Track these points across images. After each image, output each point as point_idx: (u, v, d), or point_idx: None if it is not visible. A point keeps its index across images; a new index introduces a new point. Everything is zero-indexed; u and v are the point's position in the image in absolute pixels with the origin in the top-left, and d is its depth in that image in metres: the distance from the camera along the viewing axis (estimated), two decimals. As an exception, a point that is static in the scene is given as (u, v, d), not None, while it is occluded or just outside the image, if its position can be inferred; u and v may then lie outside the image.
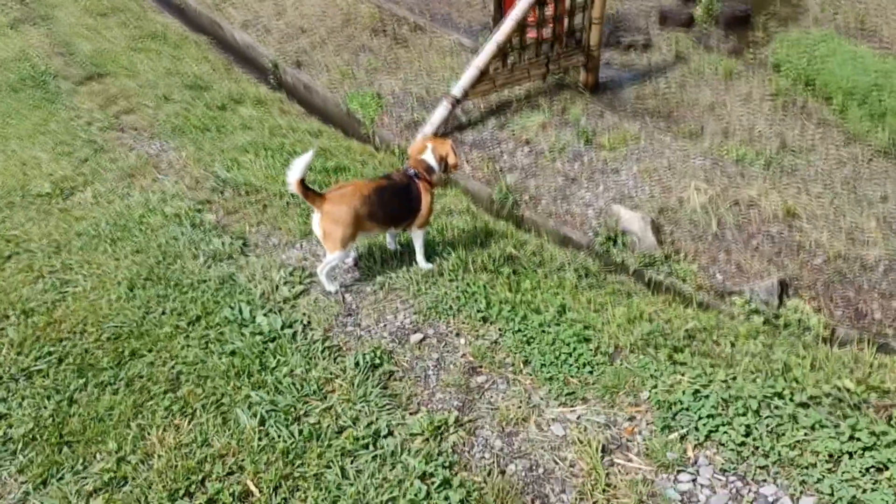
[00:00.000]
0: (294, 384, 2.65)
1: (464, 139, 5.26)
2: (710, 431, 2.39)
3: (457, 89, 5.27)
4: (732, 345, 2.88)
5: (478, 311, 3.07)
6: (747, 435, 2.36)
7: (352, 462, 2.32)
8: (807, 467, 2.24)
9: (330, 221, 3.00)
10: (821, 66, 5.52)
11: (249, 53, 6.92)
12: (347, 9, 7.26)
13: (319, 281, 3.20)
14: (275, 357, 2.79)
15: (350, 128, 5.71)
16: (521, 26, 5.27)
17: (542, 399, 2.60)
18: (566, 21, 5.51)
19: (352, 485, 2.23)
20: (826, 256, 3.94)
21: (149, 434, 2.46)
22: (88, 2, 7.35)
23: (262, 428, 2.45)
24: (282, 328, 2.98)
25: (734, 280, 3.88)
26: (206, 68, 6.12)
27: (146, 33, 6.71)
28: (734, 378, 2.61)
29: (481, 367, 2.78)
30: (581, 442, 2.39)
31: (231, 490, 2.22)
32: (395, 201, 3.15)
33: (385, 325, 3.06)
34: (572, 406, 2.57)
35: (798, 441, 2.32)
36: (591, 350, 2.81)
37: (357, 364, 2.74)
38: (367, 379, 2.67)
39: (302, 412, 2.53)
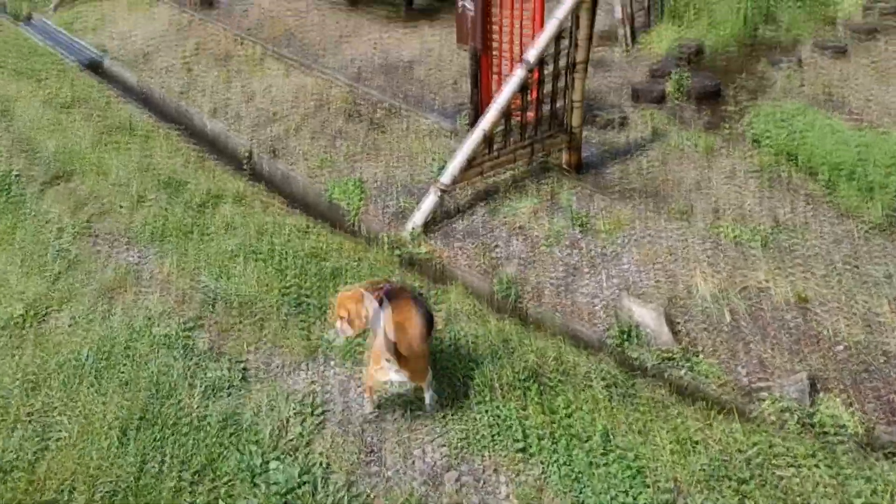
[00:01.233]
0: (326, 554, 2.29)
1: (454, 227, 4.98)
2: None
3: (445, 177, 5.01)
4: (797, 469, 2.61)
5: (514, 442, 2.75)
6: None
7: None
8: None
9: (413, 361, 2.77)
10: (801, 141, 5.43)
11: (222, 142, 6.58)
12: (319, 92, 7.00)
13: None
14: (298, 517, 2.43)
15: (334, 218, 5.39)
16: (505, 113, 5.06)
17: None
18: (548, 105, 5.33)
19: None
20: (847, 346, 3.73)
21: None
22: (49, 94, 6.92)
23: None
24: (299, 476, 2.61)
25: (758, 376, 3.63)
26: (179, 161, 5.75)
27: (112, 125, 6.32)
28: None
29: (532, 515, 2.45)
30: None
31: None
32: None
33: (413, 463, 2.71)
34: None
35: None
36: (648, 488, 2.51)
37: (393, 521, 2.40)
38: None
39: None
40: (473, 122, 6.17)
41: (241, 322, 3.51)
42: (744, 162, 5.50)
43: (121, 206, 4.83)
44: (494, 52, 5.90)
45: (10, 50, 8.42)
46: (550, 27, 5.00)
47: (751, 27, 7.88)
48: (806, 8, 8.23)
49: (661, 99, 6.53)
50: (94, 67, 8.29)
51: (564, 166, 5.60)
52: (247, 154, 6.22)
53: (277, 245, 4.28)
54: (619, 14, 7.67)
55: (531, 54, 5.02)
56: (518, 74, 5.02)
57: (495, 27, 5.77)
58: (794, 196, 5.08)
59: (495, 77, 6.01)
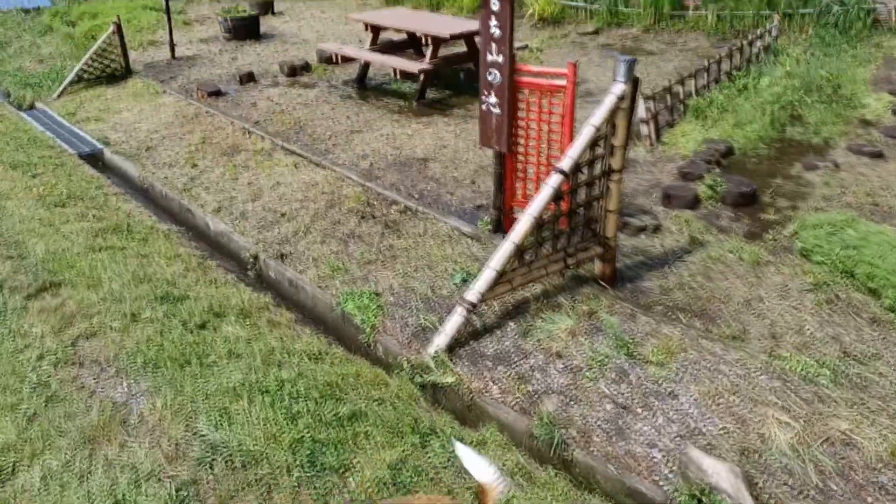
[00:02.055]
0: None
1: (483, 351, 4.40)
2: None
3: (472, 294, 4.46)
4: None
5: None
6: None
7: None
8: None
9: None
10: (857, 256, 4.92)
11: (225, 243, 6.05)
12: (330, 190, 6.53)
13: None
14: None
15: (348, 335, 4.81)
16: (538, 223, 4.55)
17: None
18: (582, 213, 4.84)
19: None
20: (961, 517, 3.11)
21: None
22: (43, 189, 6.43)
23: None
24: None
25: (862, 557, 2.99)
26: (178, 268, 5.20)
27: (109, 226, 5.80)
28: None
29: None
30: None
31: None
32: None
33: None
34: None
35: None
36: None
37: None
38: None
39: None
40: (496, 227, 5.69)
41: (244, 488, 2.89)
42: (795, 278, 4.97)
43: (111, 326, 4.25)
44: (520, 155, 5.47)
45: (9, 140, 7.99)
46: (586, 134, 4.55)
47: (778, 127, 7.53)
48: (833, 109, 7.91)
49: (694, 203, 6.05)
50: (95, 159, 7.85)
51: (598, 278, 5.08)
52: (251, 258, 5.68)
53: (287, 380, 3.68)
54: (643, 113, 7.30)
55: (566, 163, 4.55)
56: (551, 183, 4.53)
57: (521, 129, 5.35)
58: (858, 319, 4.53)
59: (520, 180, 5.56)
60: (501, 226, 5.68)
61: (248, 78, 10.07)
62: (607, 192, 4.86)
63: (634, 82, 4.66)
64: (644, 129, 7.37)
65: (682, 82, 7.91)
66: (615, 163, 4.78)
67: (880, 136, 7.18)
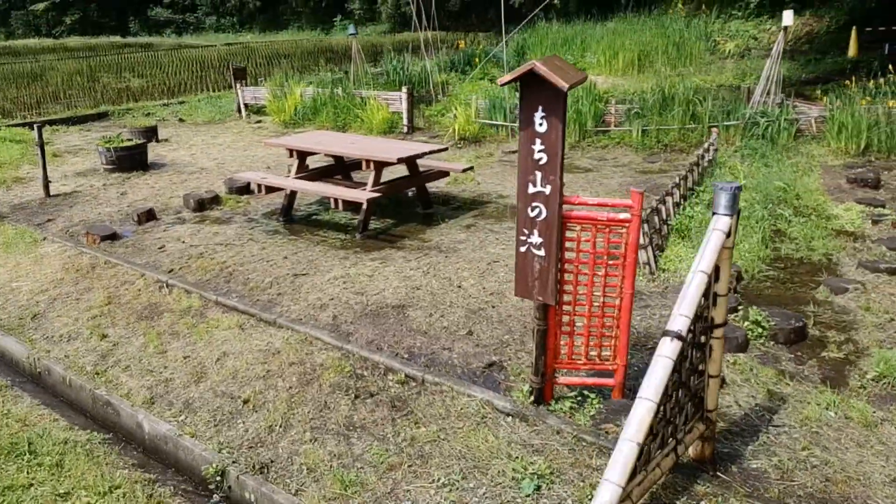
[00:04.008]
0: None
1: None
2: None
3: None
4: None
5: None
6: None
7: None
8: None
9: None
10: None
11: (170, 451, 4.35)
12: (298, 359, 5.03)
13: None
14: None
15: None
16: (662, 415, 3.32)
17: None
18: (691, 381, 3.66)
19: None
20: None
21: None
22: None
23: None
24: None
25: None
26: (118, 509, 3.49)
27: (3, 446, 3.98)
28: None
29: None
30: None
31: None
32: None
33: None
34: None
35: None
36: None
37: None
38: None
39: None
40: (539, 398, 4.42)
41: None
42: (925, 441, 4.00)
43: None
44: (566, 305, 4.29)
45: None
46: (697, 284, 3.45)
47: (770, 245, 6.87)
48: (812, 222, 7.40)
49: (744, 345, 5.07)
50: (-41, 334, 5.89)
51: (696, 462, 3.88)
52: (216, 474, 4.02)
53: None
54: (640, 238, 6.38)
55: (680, 324, 3.39)
56: (667, 353, 3.34)
57: (568, 272, 4.20)
58: None
59: (565, 335, 4.36)
60: (542, 395, 4.41)
61: (148, 216, 8.42)
62: (710, 353, 3.75)
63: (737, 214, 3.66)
64: (642, 256, 6.44)
65: (663, 201, 7.14)
66: (718, 315, 3.71)
67: (885, 249, 6.63)
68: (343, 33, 48.46)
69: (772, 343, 5.12)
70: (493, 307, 5.87)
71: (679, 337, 3.34)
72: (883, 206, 7.84)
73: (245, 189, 9.46)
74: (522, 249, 4.14)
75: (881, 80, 10.62)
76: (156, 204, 9.01)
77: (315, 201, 9.15)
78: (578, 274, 4.21)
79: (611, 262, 4.15)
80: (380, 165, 7.73)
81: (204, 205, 8.84)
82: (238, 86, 15.46)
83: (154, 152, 12.05)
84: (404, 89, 12.81)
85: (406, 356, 5.12)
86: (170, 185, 10.05)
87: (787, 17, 12.14)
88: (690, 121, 10.71)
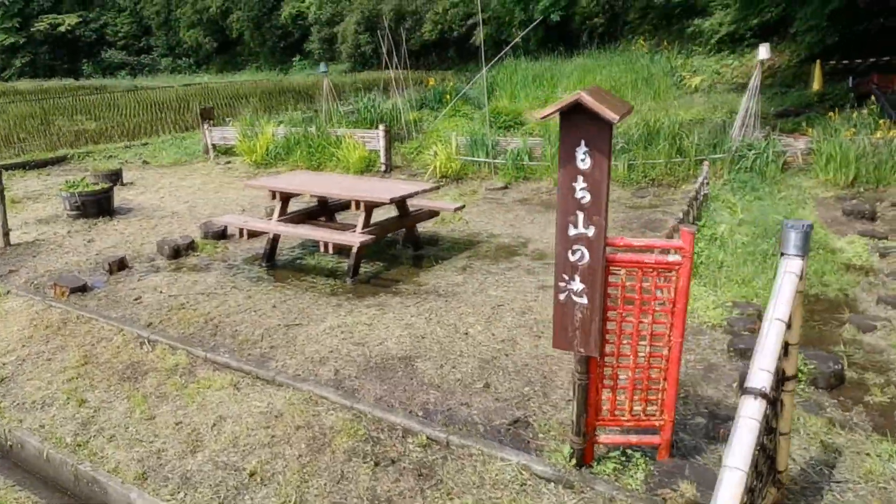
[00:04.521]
0: None
1: None
2: None
3: None
4: None
5: None
6: None
7: None
8: None
9: None
10: None
11: (168, 536, 3.83)
12: (304, 421, 4.56)
13: None
14: None
15: None
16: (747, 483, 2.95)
17: None
18: (765, 441, 3.31)
19: None
20: None
21: None
22: None
23: None
24: None
25: None
26: None
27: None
28: None
29: None
30: None
31: None
32: None
33: None
34: None
35: None
36: None
37: None
38: None
39: None
40: (580, 460, 4.02)
41: None
42: None
43: None
44: (608, 357, 3.93)
45: None
46: (775, 333, 3.11)
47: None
48: (819, 256, 7.21)
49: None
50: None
51: (765, 528, 3.52)
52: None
53: None
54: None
55: (762, 380, 3.04)
56: (751, 414, 2.98)
57: (611, 321, 3.85)
58: None
59: (606, 389, 3.99)
60: (584, 457, 4.02)
61: (120, 265, 7.86)
62: (780, 408, 3.42)
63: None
64: (657, 297, 6.14)
65: (671, 237, 6.88)
66: (789, 367, 3.40)
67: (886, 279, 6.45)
68: (302, 73, 48.29)
69: (812, 388, 4.82)
70: (507, 356, 5.49)
71: (763, 395, 2.99)
72: (886, 238, 7.72)
73: (222, 234, 8.97)
74: (562, 297, 3.78)
75: (863, 112, 10.66)
76: (127, 252, 8.46)
77: (297, 245, 8.71)
78: (622, 322, 3.86)
79: (658, 310, 3.81)
80: (370, 206, 7.35)
81: (179, 251, 8.32)
82: (205, 126, 14.98)
83: (120, 196, 11.48)
84: (381, 127, 12.50)
85: (421, 414, 4.70)
86: (140, 231, 9.49)
87: (763, 50, 12.21)
88: (677, 154, 10.58)
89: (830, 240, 7.79)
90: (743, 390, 3.08)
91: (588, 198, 3.57)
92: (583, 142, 3.50)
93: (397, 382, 5.13)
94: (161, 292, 7.12)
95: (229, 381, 5.17)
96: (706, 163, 9.45)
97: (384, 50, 16.46)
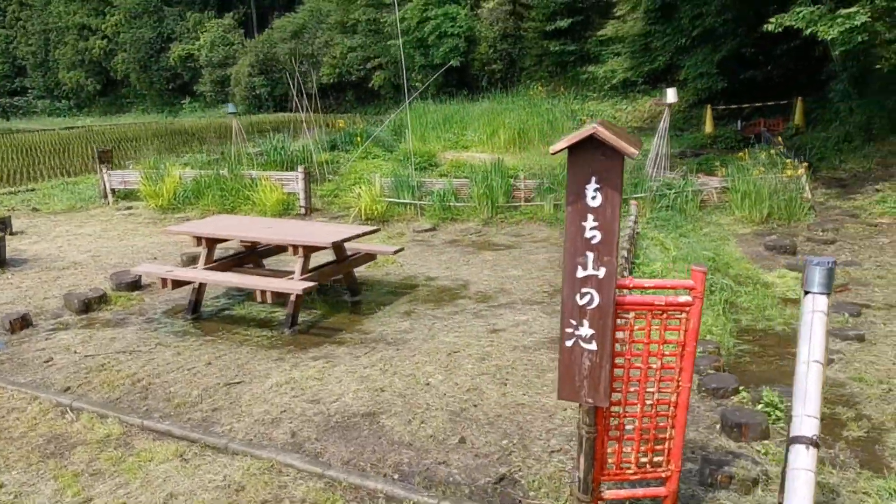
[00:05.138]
0: None
1: None
2: None
3: None
4: None
5: None
6: None
7: None
8: None
9: None
10: None
11: None
12: (268, 495, 4.05)
13: None
14: None
15: None
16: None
17: None
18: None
19: None
20: None
21: None
22: None
23: None
24: None
25: None
26: None
27: None
28: None
29: None
30: None
31: None
32: None
33: None
34: None
35: None
36: None
37: None
38: None
39: None
40: (588, 522, 3.72)
41: None
42: None
43: None
44: (614, 406, 3.68)
45: None
46: (816, 376, 2.97)
47: (730, 319, 6.68)
48: (758, 291, 7.33)
49: (767, 431, 4.65)
50: None
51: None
52: None
53: None
54: (616, 317, 5.96)
55: (812, 426, 2.87)
56: (806, 465, 2.79)
57: (619, 367, 3.61)
58: None
59: (613, 441, 3.73)
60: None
61: (23, 323, 6.99)
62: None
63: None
64: (619, 337, 5.99)
65: (620, 276, 6.78)
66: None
67: (847, 316, 6.59)
68: (193, 115, 46.77)
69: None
70: (476, 406, 5.16)
71: (815, 443, 2.81)
72: (813, 272, 7.94)
73: (136, 284, 8.21)
74: (569, 343, 3.50)
75: (772, 152, 11.16)
76: (28, 307, 7.56)
77: (221, 294, 8.07)
78: (630, 368, 3.62)
79: (667, 353, 3.60)
80: (309, 251, 6.88)
81: (90, 305, 7.51)
82: (104, 169, 13.95)
83: (10, 246, 10.38)
84: (300, 169, 12.01)
85: (396, 476, 4.27)
86: (40, 285, 8.55)
87: (671, 94, 12.68)
88: (600, 194, 10.64)
89: (760, 274, 7.96)
90: (791, 439, 2.89)
91: (599, 237, 3.33)
92: (593, 178, 3.28)
93: (364, 442, 4.68)
94: (75, 352, 6.34)
95: (174, 452, 4.55)
96: (634, 202, 9.54)
97: (294, 91, 16.00)
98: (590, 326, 3.44)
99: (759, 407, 4.88)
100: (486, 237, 10.38)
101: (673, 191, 10.38)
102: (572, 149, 3.28)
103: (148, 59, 51.55)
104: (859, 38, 10.24)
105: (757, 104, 18.50)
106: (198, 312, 7.28)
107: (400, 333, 6.64)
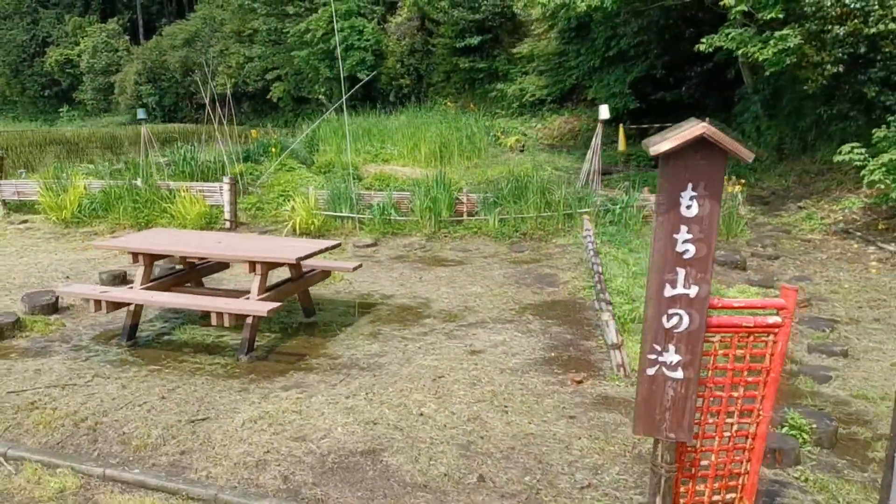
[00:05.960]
0: None
1: None
2: None
3: None
4: None
5: None
6: None
7: None
8: None
9: None
10: None
11: None
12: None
13: None
14: None
15: None
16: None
17: None
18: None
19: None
20: None
21: None
22: None
23: None
24: None
25: None
26: None
27: None
28: None
29: None
30: None
31: None
32: None
33: None
34: None
35: None
36: None
37: None
38: None
39: None
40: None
41: None
42: None
43: None
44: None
45: None
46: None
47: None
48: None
49: (799, 457, 4.41)
50: None
51: None
52: None
53: None
54: (613, 336, 5.67)
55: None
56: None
57: (700, 396, 3.24)
58: None
59: (686, 478, 3.35)
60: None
61: (-80, 353, 5.88)
62: None
63: None
64: (616, 357, 5.69)
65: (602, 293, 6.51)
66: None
67: (826, 332, 6.57)
68: (71, 124, 43.61)
69: (818, 449, 4.54)
70: (483, 438, 4.66)
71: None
72: (772, 287, 7.97)
73: (53, 307, 7.16)
74: (650, 372, 3.09)
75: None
76: (-77, 335, 6.41)
77: (155, 316, 7.17)
78: (710, 398, 3.25)
79: (750, 380, 3.26)
80: (268, 268, 6.17)
81: (2, 332, 6.45)
82: (-7, 178, 12.45)
83: None
84: (227, 179, 11.10)
85: (419, 524, 3.71)
86: (-67, 308, 7.32)
87: (604, 111, 12.70)
88: (546, 209, 10.44)
89: (722, 290, 7.90)
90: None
91: (693, 251, 2.95)
92: (690, 185, 2.90)
93: (372, 486, 4.09)
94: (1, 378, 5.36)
95: (149, 508, 3.79)
96: (587, 217, 9.35)
97: (207, 101, 14.94)
98: (676, 352, 3.05)
99: (785, 430, 4.65)
100: (432, 252, 9.89)
101: (618, 206, 10.28)
102: (667, 155, 2.89)
103: (20, 62, 47.83)
104: (787, 61, 10.56)
105: (667, 124, 19.01)
106: (134, 338, 6.39)
107: (372, 357, 6.05)
